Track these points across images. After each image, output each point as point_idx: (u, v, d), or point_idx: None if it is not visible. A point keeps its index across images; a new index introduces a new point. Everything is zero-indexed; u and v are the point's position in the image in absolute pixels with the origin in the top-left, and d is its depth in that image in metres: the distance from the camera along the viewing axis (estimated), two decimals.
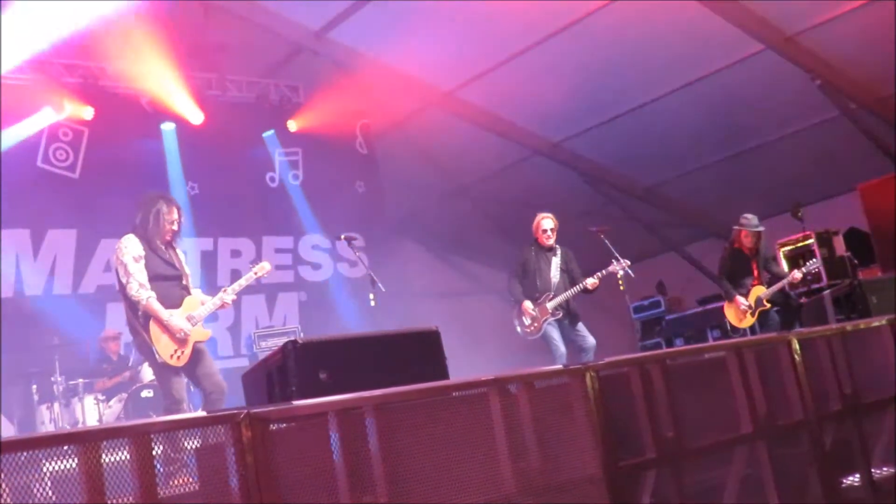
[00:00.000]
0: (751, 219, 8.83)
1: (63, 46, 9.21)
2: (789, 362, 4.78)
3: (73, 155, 10.33)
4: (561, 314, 8.23)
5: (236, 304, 11.71)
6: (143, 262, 6.17)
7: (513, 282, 8.43)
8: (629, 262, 8.26)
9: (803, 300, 10.11)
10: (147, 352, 6.13)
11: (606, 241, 8.73)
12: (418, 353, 4.65)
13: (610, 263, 8.28)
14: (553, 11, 9.61)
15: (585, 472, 3.85)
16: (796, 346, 4.82)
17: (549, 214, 8.47)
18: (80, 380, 8.84)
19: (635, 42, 9.88)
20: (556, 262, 8.43)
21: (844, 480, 4.83)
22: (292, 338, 4.55)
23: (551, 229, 8.37)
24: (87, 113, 10.06)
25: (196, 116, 10.62)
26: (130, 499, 2.91)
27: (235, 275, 11.79)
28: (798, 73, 10.09)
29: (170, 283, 6.21)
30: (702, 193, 12.57)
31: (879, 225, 10.63)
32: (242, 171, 11.32)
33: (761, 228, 8.79)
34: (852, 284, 10.15)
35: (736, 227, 8.87)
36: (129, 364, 9.50)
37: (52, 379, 8.70)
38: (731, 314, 8.97)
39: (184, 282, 6.28)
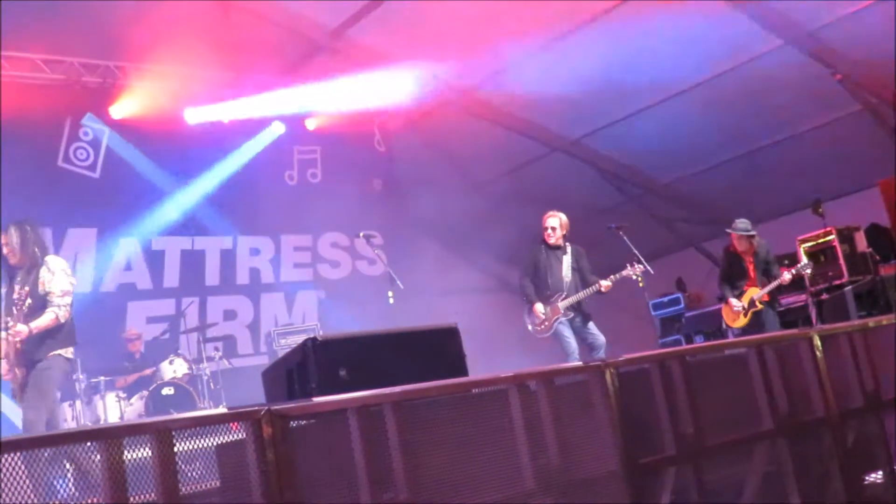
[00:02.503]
0: (738, 223, 8.94)
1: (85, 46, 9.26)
2: (810, 358, 4.75)
3: (94, 154, 10.41)
4: (572, 314, 8.29)
5: (256, 301, 11.81)
6: None
7: (525, 281, 8.48)
8: (643, 267, 8.28)
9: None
10: None
11: (625, 238, 8.74)
12: (437, 350, 4.65)
13: (625, 267, 8.31)
14: (571, 9, 9.59)
15: (605, 470, 3.83)
16: (817, 342, 4.79)
17: (556, 213, 8.49)
18: (102, 377, 8.91)
19: (654, 38, 9.82)
20: (567, 260, 8.46)
21: (867, 477, 4.80)
22: (311, 335, 4.55)
23: (552, 228, 8.39)
24: (109, 112, 10.10)
25: (217, 112, 10.65)
26: (152, 495, 2.92)
27: (254, 274, 11.90)
28: (818, 68, 10.00)
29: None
30: (721, 190, 12.49)
31: None
32: (261, 168, 11.36)
33: (750, 233, 8.86)
34: (874, 280, 10.09)
35: (728, 230, 8.97)
36: (150, 362, 9.57)
37: (74, 377, 8.76)
38: (726, 314, 9.10)
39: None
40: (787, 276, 8.68)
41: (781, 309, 8.95)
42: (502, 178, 12.45)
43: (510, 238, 11.57)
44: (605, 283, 8.21)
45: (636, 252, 8.96)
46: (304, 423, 3.31)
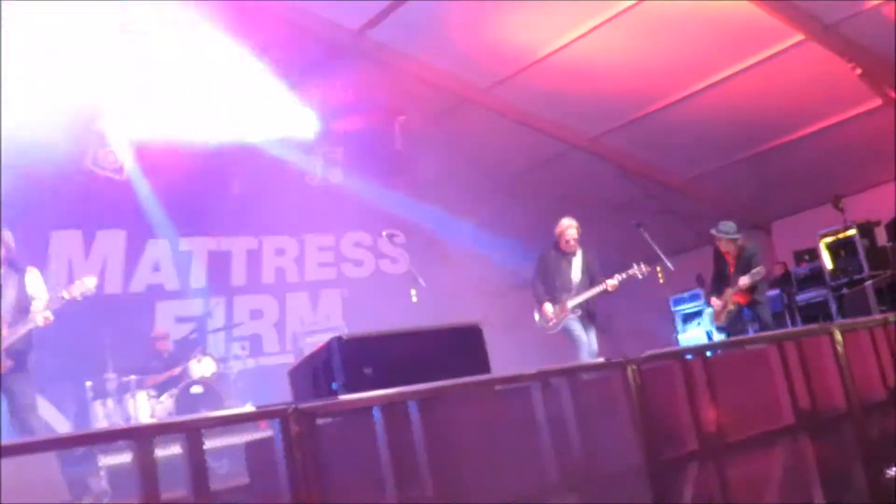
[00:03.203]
0: (721, 225, 9.14)
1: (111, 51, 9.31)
2: (831, 353, 4.73)
3: (122, 157, 10.47)
4: (580, 312, 8.46)
5: (281, 300, 11.87)
6: None
7: (536, 282, 8.73)
8: (649, 268, 8.46)
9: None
10: None
11: (646, 235, 8.78)
12: (461, 347, 4.66)
13: (631, 266, 8.45)
14: (588, 9, 9.57)
15: (627, 465, 3.84)
16: (839, 337, 4.76)
17: (572, 222, 8.65)
18: (133, 376, 8.98)
19: (672, 36, 9.79)
20: (577, 262, 8.65)
21: (889, 471, 4.77)
22: (336, 334, 4.58)
23: (573, 238, 8.58)
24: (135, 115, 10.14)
25: None
26: (183, 492, 2.95)
27: (280, 273, 11.95)
28: (839, 63, 9.91)
29: None
30: (740, 186, 12.43)
31: None
32: (285, 169, 11.40)
33: (731, 237, 9.05)
34: (894, 275, 10.01)
35: (711, 231, 9.17)
36: (179, 361, 9.63)
37: (105, 376, 8.85)
38: (712, 311, 9.43)
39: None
40: (745, 280, 8.77)
41: (758, 307, 8.97)
42: (522, 175, 12.44)
43: (531, 235, 11.56)
44: (611, 283, 8.36)
45: (657, 249, 8.99)
46: (330, 420, 3.33)
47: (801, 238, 11.96)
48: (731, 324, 9.04)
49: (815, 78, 10.10)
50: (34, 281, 6.23)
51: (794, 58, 9.86)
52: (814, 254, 11.42)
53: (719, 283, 9.23)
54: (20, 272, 6.13)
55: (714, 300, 9.22)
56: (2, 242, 6.12)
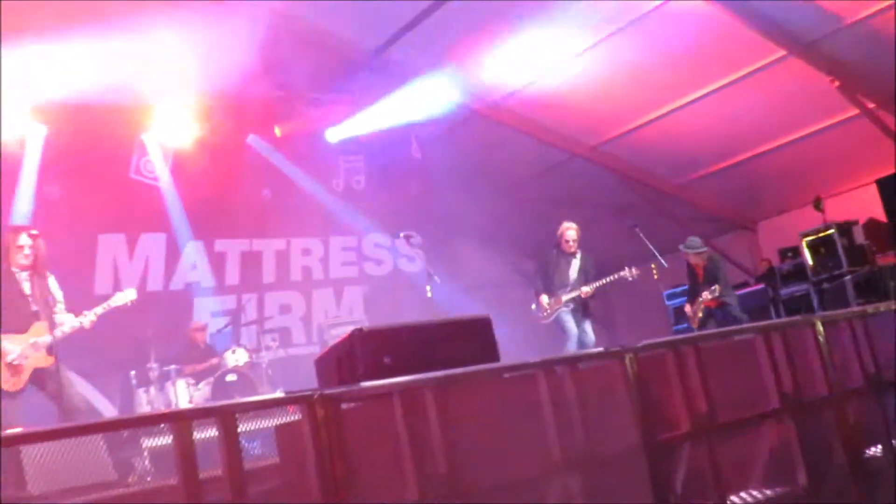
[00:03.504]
0: (688, 241, 9.32)
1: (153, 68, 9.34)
2: (814, 343, 4.70)
3: (162, 166, 10.51)
4: (573, 305, 8.65)
5: (308, 296, 11.88)
6: None
7: (537, 277, 8.97)
8: (640, 271, 8.59)
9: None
10: None
11: (642, 235, 8.84)
12: (472, 338, 4.64)
13: (623, 269, 8.60)
14: (584, 31, 9.58)
15: (626, 445, 3.83)
16: (820, 327, 4.74)
17: (573, 225, 8.87)
18: (173, 366, 9.00)
19: (665, 52, 9.77)
20: (576, 263, 8.82)
21: (867, 451, 4.74)
22: (358, 326, 4.57)
23: (573, 239, 8.79)
24: (175, 129, 10.14)
25: (271, 129, 10.73)
26: (219, 471, 2.96)
27: (306, 272, 11.96)
28: (817, 75, 9.86)
29: (17, 309, 5.99)
30: (728, 190, 12.37)
31: None
32: (311, 177, 11.42)
33: (697, 251, 9.26)
34: (872, 270, 9.96)
35: (679, 247, 9.33)
36: (215, 352, 9.66)
37: (148, 366, 8.86)
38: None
39: (34, 308, 6.02)
40: (707, 295, 8.96)
41: (732, 314, 9.09)
42: (528, 181, 12.41)
43: (536, 236, 11.55)
44: (584, 289, 8.61)
45: (652, 248, 9.01)
46: (353, 405, 3.33)
47: (784, 237, 11.90)
48: (702, 327, 9.17)
49: (796, 90, 10.05)
50: (53, 284, 6.25)
51: (776, 72, 9.82)
52: (796, 251, 11.37)
53: (692, 292, 9.42)
54: (44, 277, 6.15)
55: (687, 308, 9.44)
56: (38, 248, 6.12)
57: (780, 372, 4.46)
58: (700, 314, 9.23)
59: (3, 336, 5.88)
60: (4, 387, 5.86)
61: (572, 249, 8.78)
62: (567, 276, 8.74)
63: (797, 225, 11.43)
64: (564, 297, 8.61)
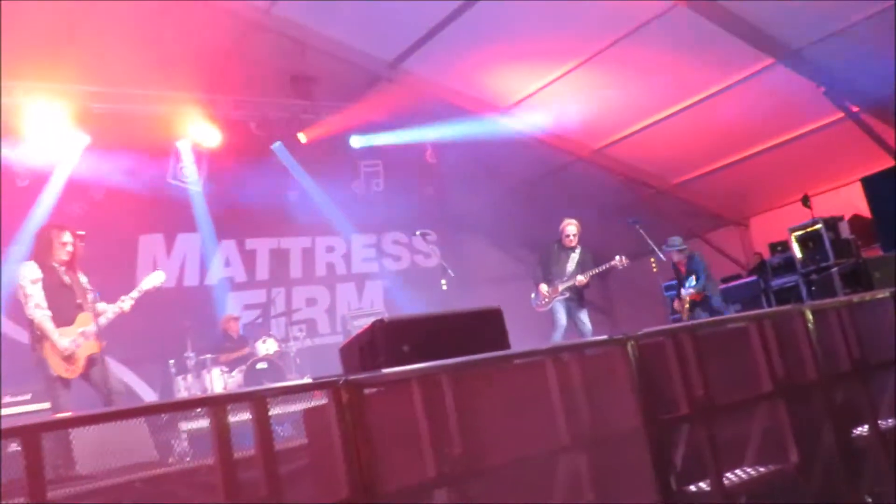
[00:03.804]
0: (668, 241, 9.44)
1: (186, 80, 9.38)
2: (803, 330, 4.65)
3: (197, 171, 10.56)
4: (569, 294, 8.65)
5: (332, 290, 11.90)
6: (39, 284, 5.95)
7: (537, 268, 8.98)
8: (628, 261, 8.58)
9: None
10: (41, 366, 5.93)
11: (641, 231, 8.81)
12: (485, 327, 4.63)
13: (613, 258, 8.62)
14: (585, 45, 9.56)
15: (628, 426, 3.80)
16: (809, 316, 4.69)
17: (573, 221, 8.89)
18: (208, 355, 9.04)
19: (660, 62, 9.72)
20: (574, 257, 8.83)
21: (855, 431, 4.70)
22: (379, 317, 4.57)
23: (573, 234, 8.81)
24: (207, 137, 10.16)
25: (295, 136, 10.74)
26: (252, 452, 2.96)
27: (330, 267, 11.98)
28: (804, 81, 9.78)
29: (64, 302, 6.01)
30: (722, 188, 12.29)
31: (880, 211, 10.35)
32: (333, 180, 11.44)
33: (677, 248, 9.44)
34: (857, 262, 9.88)
35: (662, 247, 9.35)
36: (247, 341, 9.69)
37: (185, 355, 8.91)
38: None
39: (78, 300, 6.03)
40: (684, 292, 9.33)
41: (716, 306, 9.36)
42: (534, 182, 12.39)
43: (542, 234, 11.53)
44: (579, 278, 8.60)
45: (651, 243, 8.97)
46: (375, 390, 3.33)
47: (775, 232, 11.83)
48: (691, 318, 9.29)
49: (785, 95, 9.97)
50: (84, 280, 6.27)
51: (766, 78, 9.75)
52: (786, 245, 11.30)
53: (678, 288, 9.59)
54: (76, 273, 6.18)
55: (676, 303, 9.60)
56: (77, 246, 6.15)
57: (772, 357, 4.42)
58: (687, 307, 9.34)
59: (56, 332, 5.91)
60: (63, 374, 5.88)
61: (572, 244, 8.81)
62: (565, 268, 8.77)
63: (786, 221, 11.36)
64: (561, 287, 8.64)
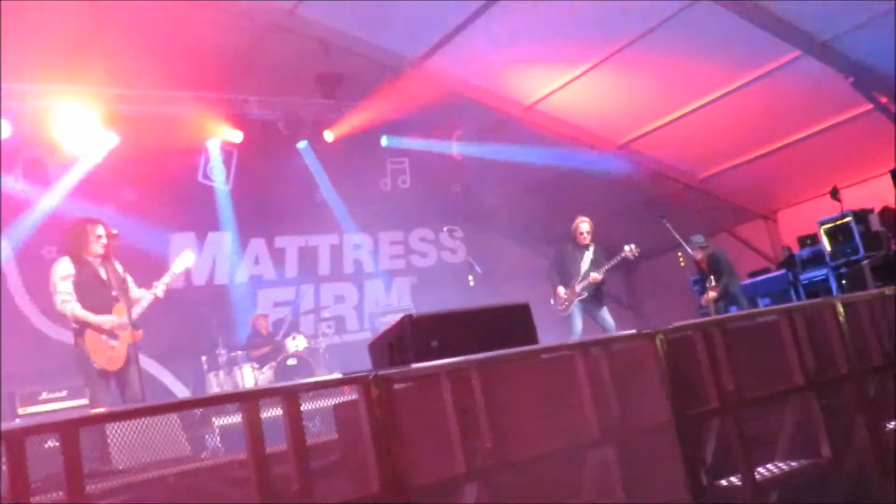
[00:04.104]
0: (691, 239, 9.32)
1: (214, 80, 9.45)
2: (834, 323, 4.58)
3: (226, 171, 10.64)
4: (586, 295, 8.50)
5: (360, 287, 11.94)
6: (70, 279, 5.99)
7: (552, 270, 8.78)
8: (639, 249, 8.44)
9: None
10: (84, 360, 5.95)
11: (669, 226, 8.75)
12: (513, 323, 4.61)
13: (622, 249, 8.47)
14: (610, 39, 9.48)
15: (658, 420, 3.77)
16: (840, 308, 4.62)
17: (586, 219, 8.75)
18: (239, 351, 9.10)
19: (686, 56, 9.61)
20: (588, 255, 8.68)
21: (887, 425, 4.62)
22: (408, 313, 4.57)
23: (587, 231, 8.68)
24: (236, 136, 10.28)
25: (323, 135, 10.78)
26: (283, 446, 2.97)
27: (358, 264, 12.01)
28: (832, 73, 9.63)
29: (100, 295, 6.04)
30: (749, 182, 12.14)
31: None
32: (361, 178, 11.46)
33: (700, 245, 9.33)
34: (887, 255, 9.73)
35: (684, 245, 9.30)
36: (276, 338, 9.74)
37: (217, 352, 8.99)
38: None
39: (114, 292, 6.05)
40: (711, 294, 9.16)
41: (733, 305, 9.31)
42: (559, 178, 12.31)
43: (566, 228, 11.47)
44: (593, 275, 8.45)
45: (678, 237, 8.90)
46: (404, 385, 3.33)
47: (803, 225, 11.67)
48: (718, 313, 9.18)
49: (812, 87, 9.83)
50: (120, 268, 6.33)
51: (793, 70, 9.61)
52: (815, 239, 11.14)
53: (702, 284, 9.52)
54: (112, 262, 6.23)
55: (703, 298, 9.46)
56: (111, 237, 6.21)
57: (803, 351, 4.36)
58: (711, 302, 9.29)
59: (93, 314, 5.97)
60: (106, 366, 5.94)
61: (586, 241, 8.68)
62: (580, 267, 8.62)
63: (815, 214, 11.21)
64: (578, 287, 8.50)
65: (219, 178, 10.58)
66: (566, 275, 8.63)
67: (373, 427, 3.03)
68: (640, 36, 9.37)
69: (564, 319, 8.56)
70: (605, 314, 8.60)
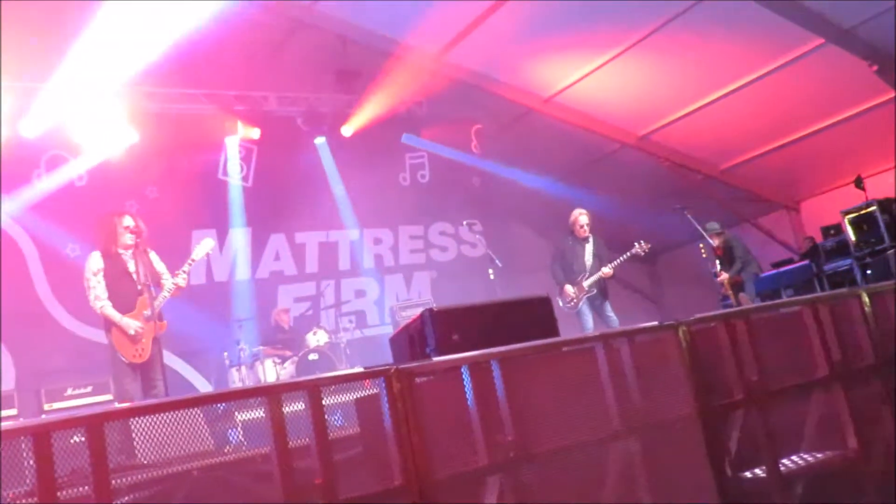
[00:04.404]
0: (706, 226, 9.29)
1: (233, 78, 9.50)
2: (860, 314, 4.52)
3: (246, 167, 10.69)
4: (595, 291, 8.32)
5: (380, 281, 11.96)
6: (101, 275, 6.05)
7: (555, 268, 8.55)
8: (648, 245, 8.34)
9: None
10: (112, 353, 6.02)
11: (690, 217, 8.67)
12: (534, 315, 4.60)
13: (633, 246, 8.34)
14: (630, 29, 9.40)
15: (681, 412, 3.74)
16: (866, 299, 4.55)
17: (584, 211, 8.57)
18: (261, 347, 9.14)
19: (707, 46, 9.53)
20: (589, 248, 8.50)
21: None
22: (428, 307, 4.56)
23: (585, 224, 8.49)
24: (255, 133, 10.34)
25: (342, 130, 10.80)
26: (306, 441, 2.97)
27: (378, 259, 12.03)
28: (855, 60, 9.50)
29: (125, 289, 6.09)
30: (771, 172, 12.02)
31: None
32: (380, 173, 11.46)
33: (716, 232, 9.34)
34: None
35: (700, 231, 9.25)
36: (298, 333, 9.78)
37: (239, 347, 9.03)
38: None
39: (139, 286, 6.08)
40: (724, 275, 9.21)
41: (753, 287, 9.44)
42: (580, 171, 12.25)
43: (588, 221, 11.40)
44: (605, 270, 8.29)
45: (700, 228, 8.82)
46: (425, 378, 3.32)
47: (826, 215, 11.53)
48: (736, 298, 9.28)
49: (835, 75, 9.70)
50: (156, 258, 6.37)
51: (815, 59, 9.49)
52: (839, 229, 10.99)
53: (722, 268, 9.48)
54: (146, 253, 6.27)
55: (718, 279, 9.44)
56: (140, 228, 6.26)
57: (828, 342, 4.30)
58: (728, 286, 9.29)
59: (118, 315, 6.04)
60: (132, 359, 6.00)
61: (586, 234, 8.50)
62: (584, 262, 8.43)
63: (838, 204, 11.06)
64: (586, 283, 8.31)
65: (239, 175, 10.63)
66: (570, 271, 8.44)
67: (395, 421, 3.03)
68: (660, 25, 9.30)
69: (573, 317, 8.39)
70: (610, 311, 8.39)
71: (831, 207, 11.33)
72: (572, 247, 8.53)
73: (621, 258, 8.38)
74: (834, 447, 4.14)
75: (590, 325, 8.28)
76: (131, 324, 6.03)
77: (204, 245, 6.51)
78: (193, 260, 6.40)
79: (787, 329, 4.39)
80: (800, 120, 10.78)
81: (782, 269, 11.41)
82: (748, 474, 3.87)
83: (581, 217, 8.52)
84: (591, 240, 8.54)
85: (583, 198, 12.00)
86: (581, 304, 8.33)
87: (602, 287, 8.43)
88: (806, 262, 11.31)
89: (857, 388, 4.33)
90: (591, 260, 8.44)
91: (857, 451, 4.14)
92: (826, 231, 11.42)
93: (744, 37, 9.31)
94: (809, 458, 4.07)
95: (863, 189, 10.21)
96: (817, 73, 9.67)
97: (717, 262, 9.44)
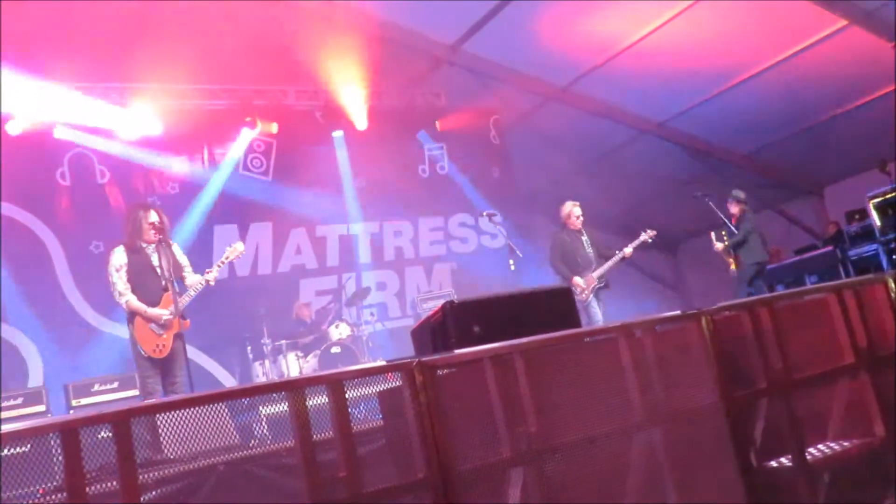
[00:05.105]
0: (733, 192, 9.25)
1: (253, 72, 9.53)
2: (886, 299, 4.47)
3: (266, 162, 10.73)
4: (604, 282, 8.25)
5: (401, 274, 11.97)
6: (123, 269, 6.05)
7: (558, 264, 8.41)
8: (654, 233, 8.28)
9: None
10: (133, 345, 6.04)
11: (711, 204, 8.59)
12: (554, 306, 4.57)
13: (640, 234, 8.30)
14: (651, 9, 9.30)
15: (705, 402, 3.71)
16: (892, 284, 4.50)
17: (576, 203, 8.50)
18: (283, 341, 9.18)
19: (728, 29, 9.43)
20: (585, 240, 8.42)
21: None
22: (449, 299, 4.56)
23: (579, 215, 8.42)
24: (274, 128, 10.39)
25: (361, 123, 10.81)
26: (330, 434, 2.99)
27: (398, 251, 12.03)
28: (878, 42, 9.36)
29: (150, 285, 6.10)
30: (795, 157, 11.89)
31: None
32: (399, 165, 11.45)
33: (737, 199, 9.18)
34: None
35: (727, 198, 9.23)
36: (320, 327, 9.81)
37: (262, 341, 9.07)
38: None
39: (163, 282, 6.08)
40: (718, 245, 9.03)
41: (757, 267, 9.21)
42: (601, 159, 12.19)
43: (611, 211, 11.35)
44: (627, 251, 8.20)
45: (721, 215, 8.74)
46: (447, 371, 3.32)
47: (851, 200, 11.40)
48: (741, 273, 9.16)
49: (858, 57, 9.57)
50: (178, 251, 6.41)
51: (838, 41, 9.36)
52: (864, 213, 10.86)
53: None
54: (170, 246, 6.30)
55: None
56: (164, 221, 6.30)
57: (854, 328, 4.25)
58: (731, 262, 9.13)
59: (143, 305, 6.08)
60: (153, 354, 6.04)
61: (579, 226, 8.44)
62: (587, 253, 8.34)
63: (863, 188, 10.93)
64: (595, 275, 8.22)
65: (259, 170, 10.68)
66: (574, 264, 8.32)
67: (417, 413, 3.04)
68: (680, 13, 9.22)
69: (581, 309, 8.30)
70: (601, 302, 8.32)
71: (856, 192, 11.20)
72: (571, 241, 8.43)
73: (636, 242, 8.32)
74: (861, 435, 4.10)
75: (599, 316, 8.19)
76: (159, 314, 6.07)
77: (235, 248, 6.57)
78: (223, 261, 6.44)
79: (812, 316, 4.35)
80: (823, 104, 10.67)
81: (806, 255, 11.32)
82: (774, 464, 3.85)
83: (575, 209, 8.46)
84: (583, 232, 8.48)
85: (602, 187, 12.02)
86: (591, 297, 8.26)
87: (607, 278, 8.39)
88: (830, 248, 11.19)
89: (884, 374, 4.28)
90: (591, 250, 8.39)
91: (883, 439, 4.09)
92: (850, 216, 11.30)
93: (764, 20, 9.20)
94: (836, 447, 4.04)
95: (887, 173, 10.09)
96: (839, 56, 9.55)
97: (724, 233, 9.26)
